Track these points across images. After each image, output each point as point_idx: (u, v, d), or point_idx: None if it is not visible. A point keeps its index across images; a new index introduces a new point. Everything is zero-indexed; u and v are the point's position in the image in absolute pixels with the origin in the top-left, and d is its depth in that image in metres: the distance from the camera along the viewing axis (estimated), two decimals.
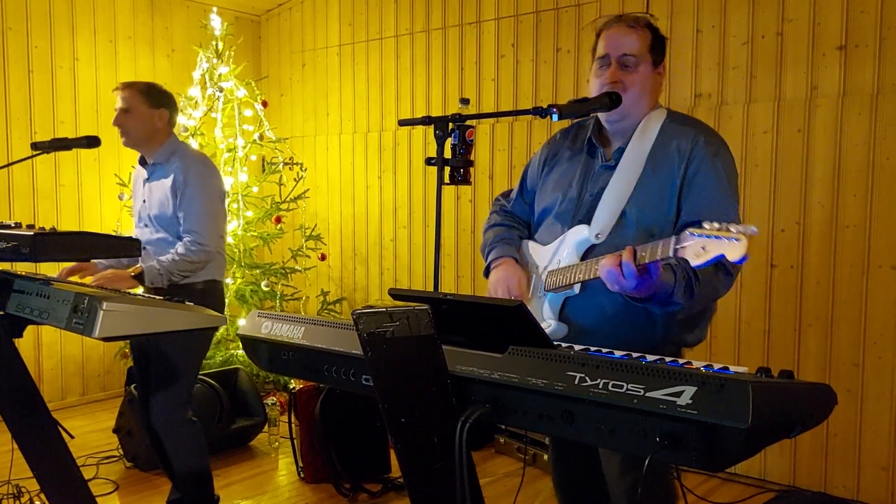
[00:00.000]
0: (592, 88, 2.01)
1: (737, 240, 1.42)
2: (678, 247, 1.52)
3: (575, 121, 2.18)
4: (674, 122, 2.00)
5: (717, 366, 1.37)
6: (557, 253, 2.02)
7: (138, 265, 2.88)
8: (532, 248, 2.13)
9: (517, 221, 2.25)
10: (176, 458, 3.00)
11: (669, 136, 1.96)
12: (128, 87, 3.06)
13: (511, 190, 2.34)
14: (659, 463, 1.89)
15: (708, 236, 1.46)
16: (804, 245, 3.55)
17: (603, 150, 2.04)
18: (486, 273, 2.18)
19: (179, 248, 2.93)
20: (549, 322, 2.00)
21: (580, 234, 1.98)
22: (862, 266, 3.41)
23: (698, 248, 1.47)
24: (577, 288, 1.94)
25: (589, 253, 1.96)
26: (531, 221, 2.22)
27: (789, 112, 3.57)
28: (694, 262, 1.48)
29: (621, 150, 2.00)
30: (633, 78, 1.95)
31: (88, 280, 2.86)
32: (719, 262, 1.76)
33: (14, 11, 4.70)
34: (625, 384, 1.16)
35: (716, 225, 1.46)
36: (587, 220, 1.97)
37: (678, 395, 1.11)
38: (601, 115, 2.03)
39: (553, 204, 2.09)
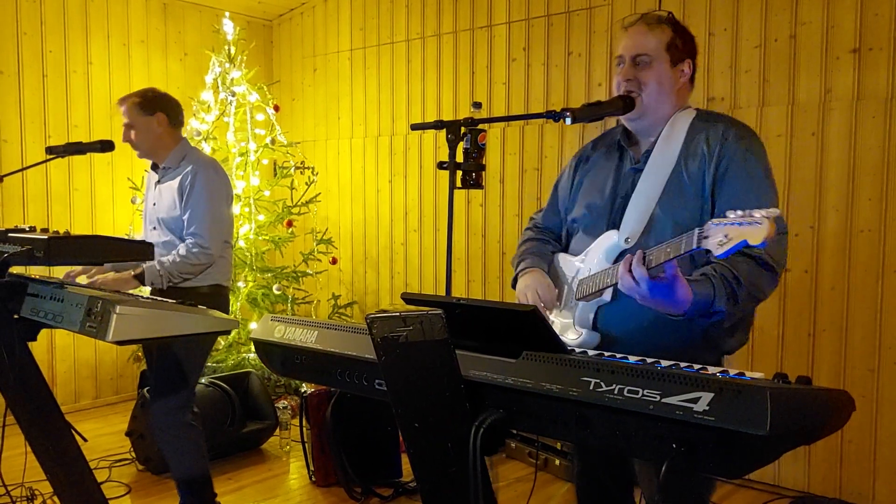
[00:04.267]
0: (613, 87, 2.01)
1: (759, 223, 1.40)
2: (702, 237, 1.49)
3: (601, 129, 2.16)
4: (702, 119, 1.96)
5: (732, 371, 1.36)
6: (588, 261, 2.00)
7: (139, 266, 2.90)
8: (563, 259, 2.10)
9: (550, 235, 2.23)
10: (174, 462, 3.00)
11: (698, 133, 1.93)
12: (123, 101, 3.07)
13: (543, 207, 2.32)
14: (701, 480, 1.88)
15: (731, 223, 1.44)
16: (818, 249, 3.53)
17: (632, 152, 2.02)
18: (514, 283, 2.16)
19: (181, 249, 2.94)
20: (580, 331, 1.96)
21: (610, 240, 1.95)
22: (877, 270, 3.38)
23: (721, 236, 1.45)
24: (608, 295, 1.90)
25: (620, 258, 1.89)
26: (563, 234, 2.20)
27: (803, 116, 3.55)
28: (717, 252, 1.45)
29: (650, 152, 1.97)
30: (647, 75, 1.93)
31: (83, 279, 2.89)
32: (759, 259, 1.75)
33: (28, 16, 4.73)
34: (640, 390, 1.15)
35: (739, 212, 1.44)
36: (617, 225, 1.95)
37: (695, 401, 1.10)
38: (621, 117, 2.00)
39: (585, 214, 2.06)
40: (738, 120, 1.99)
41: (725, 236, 1.44)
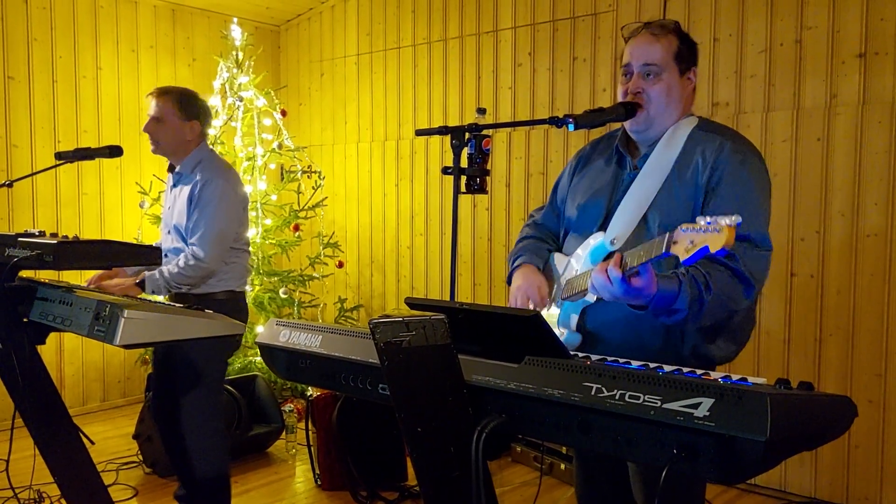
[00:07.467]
0: (618, 95, 2.00)
1: (718, 231, 1.39)
2: (671, 242, 1.48)
3: (605, 132, 2.16)
4: (702, 129, 1.95)
5: (735, 377, 1.36)
6: (575, 261, 2.01)
7: (142, 272, 2.90)
8: (557, 258, 2.11)
9: (547, 234, 2.23)
10: (199, 466, 2.99)
11: (696, 143, 1.92)
12: (163, 94, 2.99)
13: (544, 205, 2.32)
14: (690, 483, 1.88)
15: (697, 230, 1.43)
16: (824, 254, 3.52)
17: (629, 157, 2.02)
18: (509, 280, 2.17)
19: (180, 260, 2.90)
20: (562, 331, 1.98)
21: (596, 241, 1.96)
22: (883, 275, 3.37)
23: (687, 242, 1.44)
24: (592, 296, 1.91)
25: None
26: (560, 233, 2.20)
27: (808, 120, 3.55)
28: (683, 258, 1.44)
29: (647, 156, 1.97)
30: (656, 87, 1.91)
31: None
32: (736, 271, 1.75)
33: (39, 22, 4.77)
34: (641, 395, 1.16)
35: (707, 218, 1.43)
36: (606, 227, 1.95)
37: (695, 406, 1.10)
38: (626, 126, 2.00)
39: (578, 214, 2.06)
40: (740, 134, 1.97)
41: (691, 242, 1.43)
